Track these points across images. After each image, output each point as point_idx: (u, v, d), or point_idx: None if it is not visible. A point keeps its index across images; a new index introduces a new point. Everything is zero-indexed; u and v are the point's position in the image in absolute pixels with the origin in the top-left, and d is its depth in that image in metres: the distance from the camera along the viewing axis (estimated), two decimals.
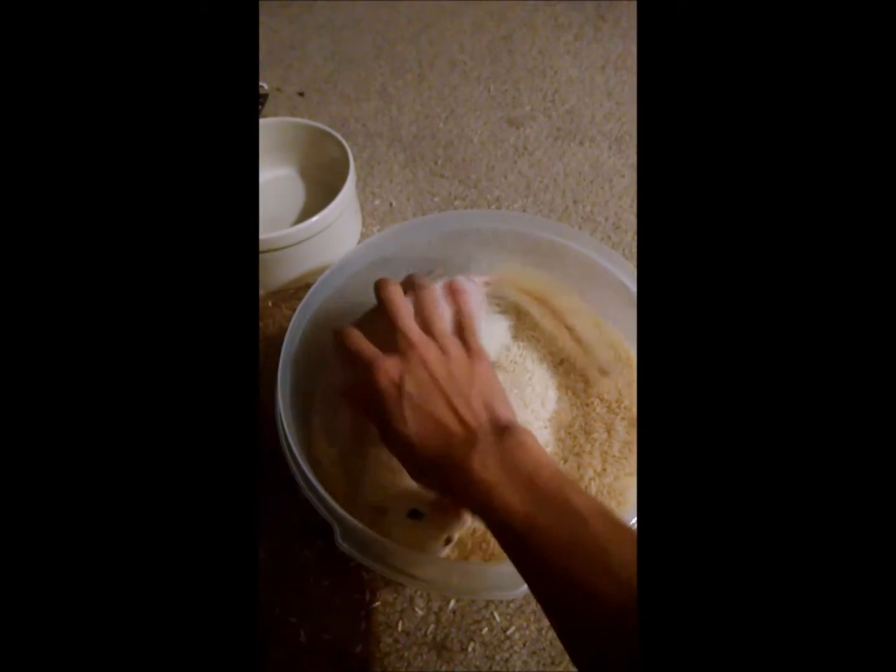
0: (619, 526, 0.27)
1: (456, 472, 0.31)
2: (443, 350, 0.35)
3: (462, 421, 0.32)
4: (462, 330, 0.38)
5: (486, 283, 0.51)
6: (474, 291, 0.43)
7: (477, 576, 0.39)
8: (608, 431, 0.48)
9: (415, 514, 0.39)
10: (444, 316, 0.38)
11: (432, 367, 0.34)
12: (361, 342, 0.37)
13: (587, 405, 0.50)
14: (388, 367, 0.34)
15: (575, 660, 0.26)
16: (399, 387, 0.33)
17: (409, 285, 0.40)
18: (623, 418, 0.49)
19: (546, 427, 0.48)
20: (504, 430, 0.32)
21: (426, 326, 0.37)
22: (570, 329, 0.56)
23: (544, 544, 0.27)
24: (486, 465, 0.30)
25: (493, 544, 0.44)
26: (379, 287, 0.40)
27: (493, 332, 0.50)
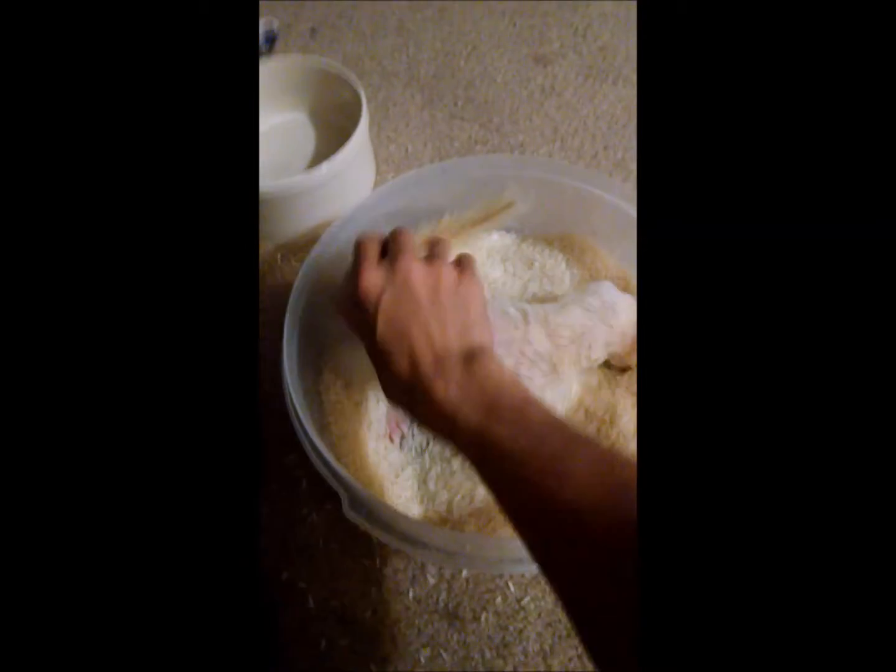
0: (574, 436, 0.28)
1: (421, 396, 0.31)
2: (433, 268, 0.35)
3: (433, 346, 0.33)
4: (460, 258, 0.37)
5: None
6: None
7: (489, 547, 0.37)
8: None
9: None
10: (444, 249, 0.37)
11: (415, 286, 0.34)
12: (368, 245, 0.36)
13: (613, 394, 0.47)
14: (373, 277, 0.34)
15: (534, 556, 0.27)
16: (377, 300, 0.34)
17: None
18: None
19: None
20: (472, 357, 0.32)
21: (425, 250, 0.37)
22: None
23: (504, 456, 0.28)
24: (449, 390, 0.31)
25: (492, 519, 0.42)
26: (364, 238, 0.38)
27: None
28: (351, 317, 0.36)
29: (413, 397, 0.32)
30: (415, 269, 0.34)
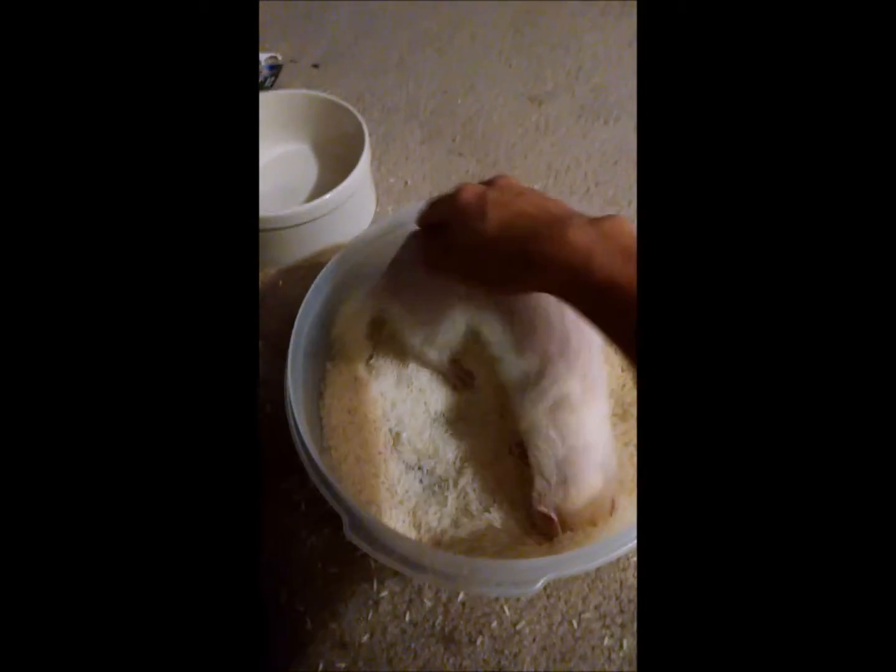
0: None
1: (548, 243, 0.30)
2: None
3: (549, 211, 0.33)
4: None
5: None
6: None
7: (486, 571, 0.38)
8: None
9: None
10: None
11: (517, 185, 0.35)
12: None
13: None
14: (473, 187, 0.35)
15: None
16: (482, 196, 0.34)
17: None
18: None
19: None
20: (599, 217, 0.31)
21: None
22: None
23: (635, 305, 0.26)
24: (582, 235, 0.30)
25: (487, 539, 0.43)
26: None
27: None
28: (448, 230, 0.36)
29: (536, 248, 0.31)
30: (512, 180, 0.36)
